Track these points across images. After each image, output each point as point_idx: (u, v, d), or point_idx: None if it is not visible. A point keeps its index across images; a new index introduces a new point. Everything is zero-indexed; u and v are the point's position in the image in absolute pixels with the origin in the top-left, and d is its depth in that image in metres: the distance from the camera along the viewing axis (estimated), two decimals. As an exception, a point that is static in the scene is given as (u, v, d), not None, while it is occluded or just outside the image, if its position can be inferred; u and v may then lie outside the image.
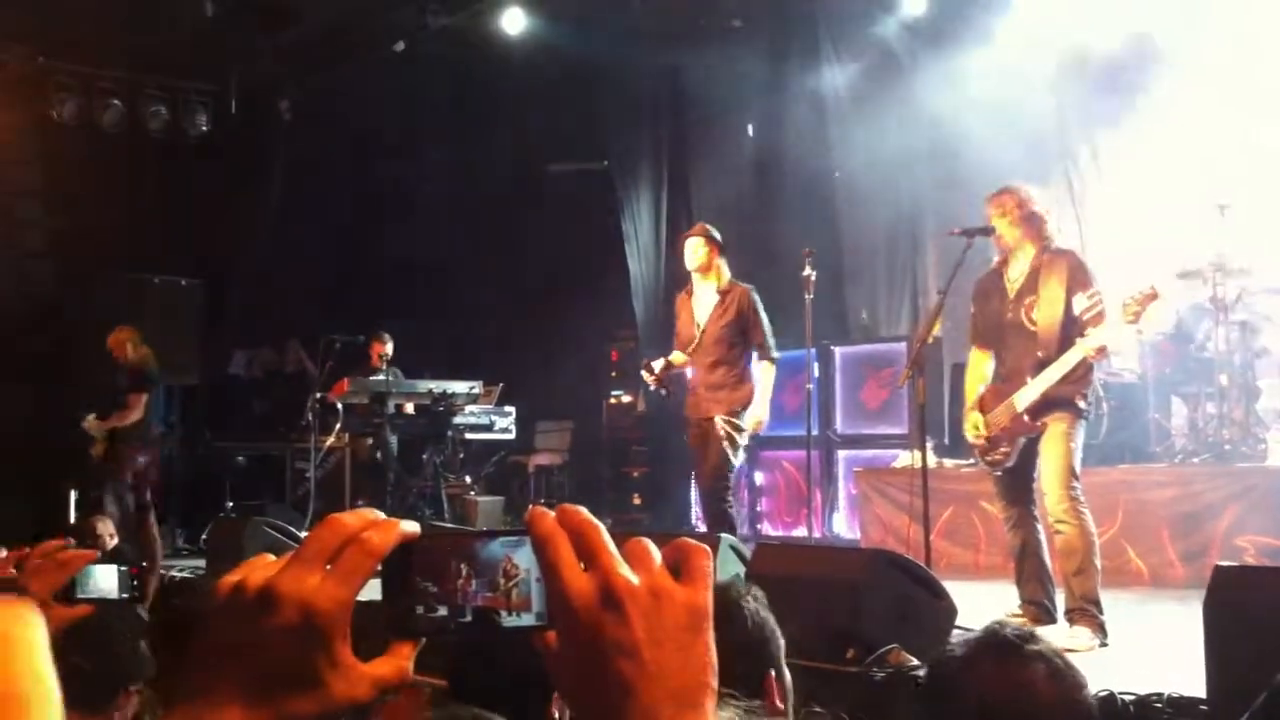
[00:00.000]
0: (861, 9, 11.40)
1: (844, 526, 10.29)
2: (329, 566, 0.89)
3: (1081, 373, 5.56)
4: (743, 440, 7.45)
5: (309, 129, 12.73)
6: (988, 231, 5.87)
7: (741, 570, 5.56)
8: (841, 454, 10.52)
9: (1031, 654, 1.80)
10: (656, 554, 0.89)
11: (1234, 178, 9.46)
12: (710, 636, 0.88)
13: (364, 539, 0.90)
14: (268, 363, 12.44)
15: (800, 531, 9.69)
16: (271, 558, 0.93)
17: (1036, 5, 10.34)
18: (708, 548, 0.90)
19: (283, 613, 0.87)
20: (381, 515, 0.93)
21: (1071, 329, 5.50)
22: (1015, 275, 5.78)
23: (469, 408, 10.40)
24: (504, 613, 0.92)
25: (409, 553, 0.92)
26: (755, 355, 7.48)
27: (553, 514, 0.89)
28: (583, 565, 0.87)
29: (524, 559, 0.91)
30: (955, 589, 5.38)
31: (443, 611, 0.93)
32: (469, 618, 0.92)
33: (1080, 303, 5.47)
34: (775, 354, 7.50)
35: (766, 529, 10.88)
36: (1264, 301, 8.63)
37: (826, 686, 4.44)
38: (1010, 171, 6.44)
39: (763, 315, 7.47)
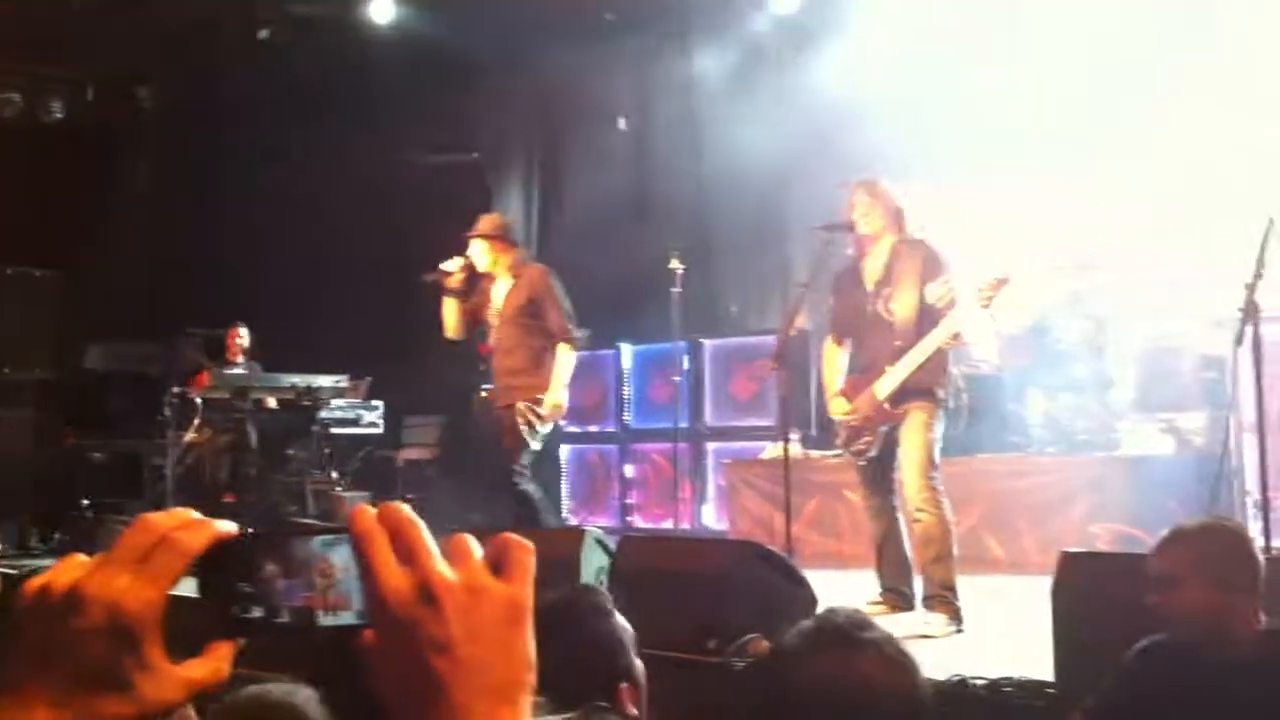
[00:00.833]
0: (732, 4, 11.48)
1: (713, 518, 10.35)
2: (140, 567, 0.88)
3: (939, 362, 5.67)
4: (542, 428, 7.21)
5: (171, 118, 12.41)
6: (847, 227, 5.94)
7: (607, 563, 5.57)
8: (711, 446, 10.58)
9: (864, 641, 1.80)
10: (477, 550, 0.88)
11: (1091, 172, 9.73)
12: (529, 632, 0.88)
13: (174, 539, 0.89)
14: (132, 357, 12.09)
15: (671, 524, 9.72)
16: (83, 558, 0.91)
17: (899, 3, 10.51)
18: (530, 543, 0.90)
19: (89, 614, 0.86)
20: (196, 515, 0.92)
21: (926, 318, 5.60)
22: (872, 267, 5.88)
23: (335, 402, 10.24)
24: (320, 612, 0.91)
25: (224, 553, 0.91)
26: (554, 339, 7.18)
27: (373, 511, 0.89)
28: (402, 563, 0.87)
29: (341, 558, 0.90)
30: (819, 578, 5.44)
31: (258, 612, 0.91)
32: (284, 618, 0.91)
33: (933, 292, 5.58)
34: (576, 334, 7.24)
35: (638, 521, 10.91)
36: (1118, 295, 8.89)
37: (687, 676, 4.46)
38: (875, 165, 6.53)
39: (559, 296, 7.19)
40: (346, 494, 10.28)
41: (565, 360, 7.15)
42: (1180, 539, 3.04)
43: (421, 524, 0.88)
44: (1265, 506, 5.32)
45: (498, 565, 0.88)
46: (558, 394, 7.12)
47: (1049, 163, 10.00)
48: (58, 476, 10.92)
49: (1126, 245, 9.66)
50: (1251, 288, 4.83)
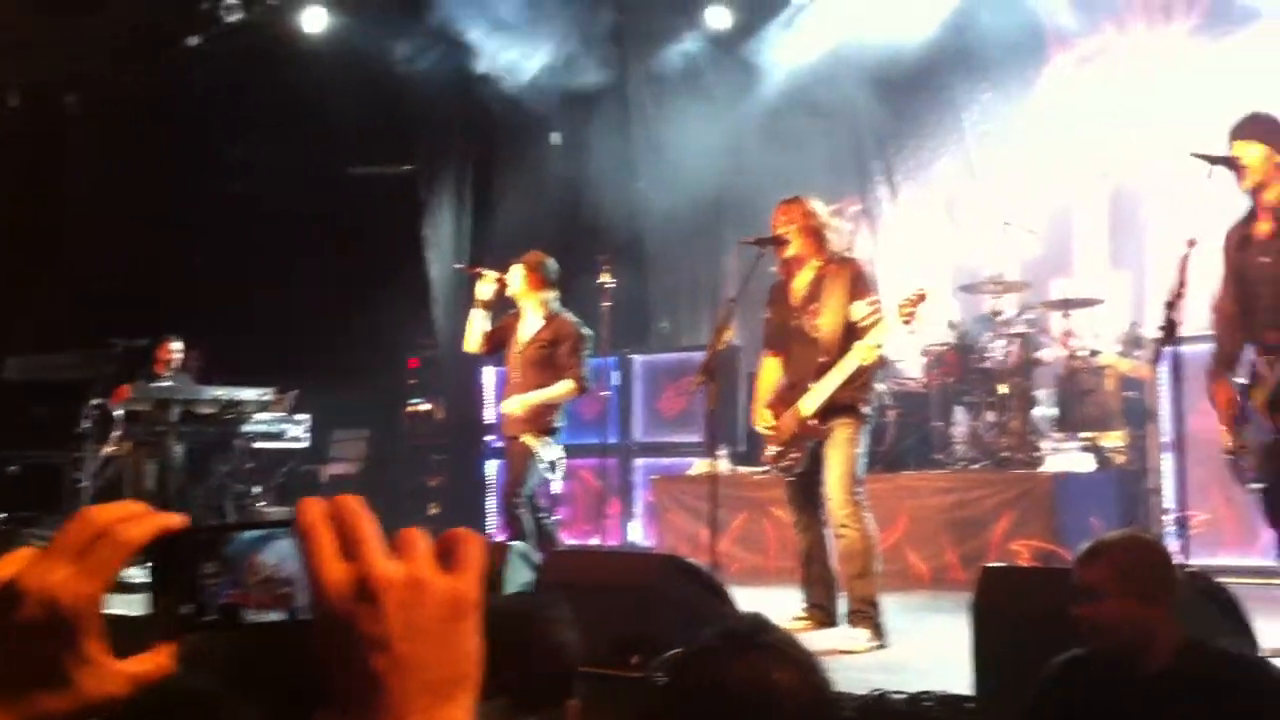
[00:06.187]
0: (667, 22, 11.52)
1: (641, 535, 10.33)
2: (80, 560, 0.86)
3: (863, 378, 5.70)
4: (546, 454, 7.28)
5: (99, 126, 12.22)
6: (777, 241, 5.94)
7: (531, 578, 5.53)
8: (639, 462, 10.57)
9: (768, 644, 1.80)
10: (426, 543, 0.86)
11: (1018, 193, 9.87)
12: (475, 627, 0.85)
13: (115, 531, 0.87)
14: (52, 368, 11.83)
15: (598, 540, 9.69)
16: (27, 551, 0.89)
17: (833, 19, 10.61)
18: (481, 535, 0.88)
19: (26, 608, 0.84)
20: (141, 506, 0.90)
21: (851, 336, 5.63)
22: (799, 284, 5.90)
23: (259, 415, 10.09)
24: (247, 609, 0.90)
25: (172, 546, 0.90)
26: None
27: (323, 505, 0.86)
28: (345, 557, 0.84)
29: (272, 555, 0.90)
30: (745, 594, 5.45)
31: (187, 608, 0.90)
32: (212, 615, 0.91)
33: (859, 310, 5.61)
34: (587, 384, 7.34)
35: (565, 538, 10.85)
36: (1042, 314, 9.00)
37: (610, 691, 4.43)
38: (808, 184, 6.56)
39: (580, 350, 7.26)
40: (269, 509, 10.15)
41: (561, 388, 7.14)
42: (1101, 552, 3.06)
43: (370, 517, 0.86)
44: (1183, 524, 5.39)
45: (446, 558, 0.86)
46: (532, 398, 7.12)
47: (982, 182, 10.17)
48: (-30, 489, 10.69)
49: (1054, 264, 9.81)
50: (1171, 307, 4.89)
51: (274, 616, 0.91)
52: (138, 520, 0.89)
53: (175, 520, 0.90)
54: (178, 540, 0.90)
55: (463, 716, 0.84)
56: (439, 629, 0.84)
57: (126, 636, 0.91)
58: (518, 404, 7.15)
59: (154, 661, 0.89)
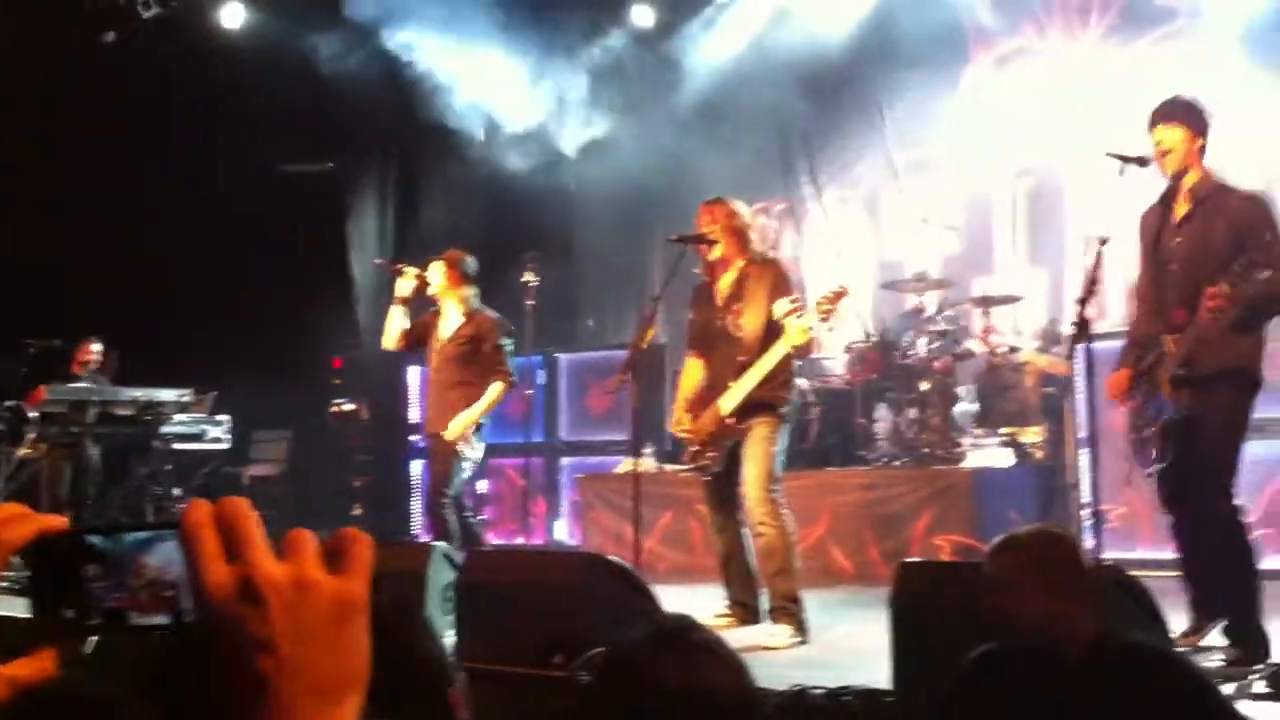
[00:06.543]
0: (591, 20, 11.50)
1: (567, 534, 10.31)
2: None
3: (783, 376, 5.73)
4: (471, 453, 7.24)
5: (10, 122, 11.95)
6: (703, 240, 5.96)
7: (454, 578, 5.50)
8: (565, 460, 10.54)
9: (690, 642, 1.81)
10: (313, 544, 0.85)
11: (939, 192, 9.98)
12: (362, 629, 0.85)
13: None
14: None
15: (523, 540, 9.65)
16: None
17: (755, 19, 10.66)
18: (369, 537, 0.87)
19: None
20: (21, 508, 0.88)
21: (773, 335, 5.65)
22: (723, 284, 5.92)
23: (178, 417, 9.96)
24: (133, 612, 0.88)
25: (53, 549, 0.88)
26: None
27: (208, 506, 0.86)
28: (230, 559, 0.83)
29: (156, 558, 0.88)
30: (670, 592, 5.45)
31: (71, 613, 0.88)
32: (96, 619, 0.89)
33: (781, 308, 5.63)
34: (513, 378, 7.32)
35: (490, 537, 10.81)
36: (963, 311, 9.11)
37: (533, 691, 4.41)
38: (733, 184, 6.57)
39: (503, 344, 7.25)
40: (188, 511, 10.00)
41: (494, 392, 7.12)
42: (1012, 545, 3.08)
43: (255, 518, 0.85)
44: (1099, 517, 5.46)
45: (335, 559, 0.85)
46: (471, 415, 7.06)
47: (905, 182, 10.25)
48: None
49: (975, 262, 9.93)
50: (1083, 304, 4.95)
51: (160, 620, 0.88)
52: (17, 522, 0.87)
53: (56, 522, 0.89)
54: (58, 542, 0.88)
55: (350, 718, 0.84)
56: (326, 631, 0.83)
57: (11, 639, 0.90)
58: (459, 425, 7.08)
59: (34, 665, 0.88)
